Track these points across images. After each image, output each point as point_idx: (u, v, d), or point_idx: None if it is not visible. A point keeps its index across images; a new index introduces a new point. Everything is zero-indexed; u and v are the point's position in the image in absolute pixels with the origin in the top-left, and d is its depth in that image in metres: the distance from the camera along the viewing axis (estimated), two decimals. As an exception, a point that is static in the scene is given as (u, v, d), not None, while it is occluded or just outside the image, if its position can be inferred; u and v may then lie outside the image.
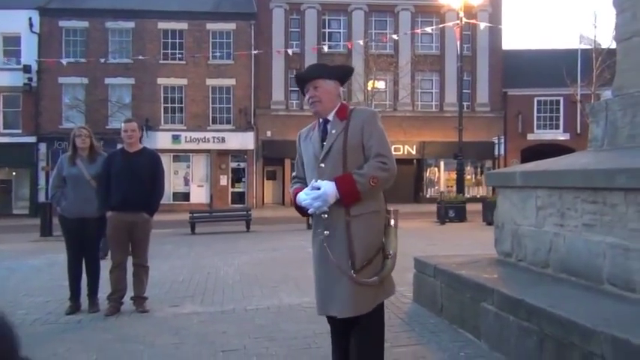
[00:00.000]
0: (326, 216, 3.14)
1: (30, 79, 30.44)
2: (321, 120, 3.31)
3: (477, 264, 5.48)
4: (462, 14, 22.01)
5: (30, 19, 30.54)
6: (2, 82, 30.45)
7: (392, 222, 3.19)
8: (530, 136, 32.99)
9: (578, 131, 31.58)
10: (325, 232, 3.15)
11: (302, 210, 3.26)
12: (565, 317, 3.47)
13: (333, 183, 3.05)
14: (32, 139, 30.53)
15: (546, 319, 3.64)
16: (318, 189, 3.07)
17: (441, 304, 5.38)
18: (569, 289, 4.20)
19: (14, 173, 31.33)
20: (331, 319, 3.26)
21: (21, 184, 31.30)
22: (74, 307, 6.29)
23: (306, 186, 3.27)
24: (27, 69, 30.33)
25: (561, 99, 32.47)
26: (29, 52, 30.63)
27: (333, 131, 3.19)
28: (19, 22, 30.32)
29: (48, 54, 30.43)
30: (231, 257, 10.71)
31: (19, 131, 30.73)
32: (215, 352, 4.62)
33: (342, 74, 3.40)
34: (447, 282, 5.27)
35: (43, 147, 30.26)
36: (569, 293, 4.09)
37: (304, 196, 3.15)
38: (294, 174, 3.56)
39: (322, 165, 3.17)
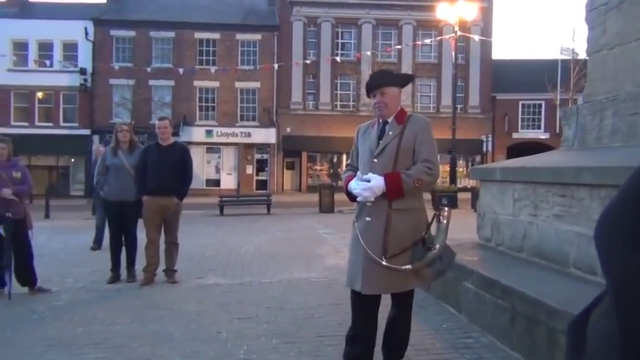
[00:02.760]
0: (370, 204, 3.09)
1: (85, 80, 30.54)
2: (380, 120, 3.23)
3: (460, 247, 5.38)
4: (457, 28, 21.71)
5: (85, 28, 30.57)
6: (62, 83, 30.61)
7: (442, 219, 3.11)
8: (515, 135, 32.57)
9: (557, 131, 31.26)
10: (367, 218, 3.10)
11: (350, 195, 3.21)
12: (533, 297, 3.41)
13: (382, 178, 3.00)
14: (87, 132, 30.71)
15: (517, 297, 3.58)
16: (368, 181, 3.03)
17: (428, 281, 5.31)
18: (539, 272, 4.12)
19: (72, 160, 31.55)
20: (356, 292, 3.16)
21: (77, 170, 31.54)
22: (114, 277, 6.31)
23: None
24: (83, 71, 30.44)
25: (543, 103, 31.98)
26: (85, 57, 30.73)
27: (390, 133, 3.13)
28: (76, 31, 30.41)
29: (100, 59, 30.51)
30: (252, 236, 10.69)
31: (76, 125, 30.90)
32: (232, 319, 4.61)
33: (405, 81, 3.36)
34: (434, 262, 5.19)
35: (96, 138, 30.36)
36: (539, 275, 4.02)
37: (355, 185, 3.11)
38: (348, 162, 3.51)
39: (375, 160, 3.11)
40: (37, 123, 30.47)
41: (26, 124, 30.23)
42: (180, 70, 28.98)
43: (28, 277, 5.74)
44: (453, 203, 19.10)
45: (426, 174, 3.03)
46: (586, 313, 0.54)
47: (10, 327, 4.44)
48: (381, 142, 3.15)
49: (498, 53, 76.75)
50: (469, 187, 25.34)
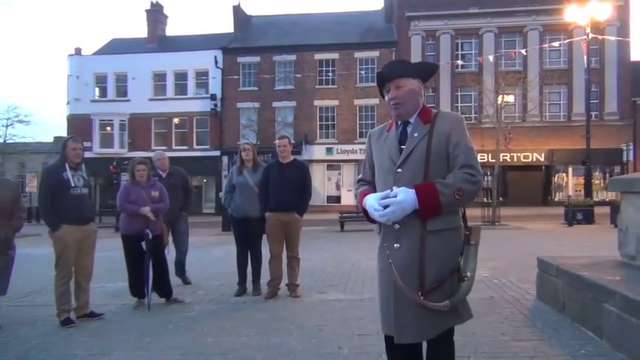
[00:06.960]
0: (398, 227, 2.46)
1: (215, 105, 32.81)
2: (399, 121, 2.65)
3: (599, 266, 4.92)
4: (589, 30, 20.20)
5: (215, 57, 32.94)
6: (195, 108, 33.17)
7: (471, 241, 2.48)
8: (660, 143, 29.52)
9: None
10: (395, 244, 2.48)
11: (369, 215, 2.58)
12: (691, 323, 2.99)
13: (413, 191, 2.38)
14: (217, 153, 32.84)
15: (671, 323, 3.16)
16: (395, 196, 2.41)
17: (562, 302, 4.90)
18: (697, 295, 3.62)
19: (204, 180, 33.84)
20: (391, 339, 2.56)
21: (209, 189, 33.76)
22: (241, 290, 6.56)
23: (373, 189, 2.65)
24: (213, 97, 32.76)
25: (696, 105, 28.71)
26: (214, 84, 33.01)
27: (415, 134, 2.53)
28: (207, 60, 32.87)
29: (229, 84, 32.62)
30: (373, 252, 10.47)
31: (208, 147, 33.20)
32: (352, 335, 4.57)
33: (427, 72, 2.71)
34: (569, 282, 4.78)
35: (225, 159, 32.41)
36: (698, 299, 3.52)
37: (375, 203, 2.48)
38: (359, 176, 2.85)
39: (400, 170, 2.49)
40: (174, 146, 33.15)
41: (164, 147, 32.89)
42: (302, 91, 29.95)
43: (164, 289, 6.18)
44: (589, 218, 17.65)
45: (469, 182, 2.40)
46: None
47: (149, 335, 4.78)
48: (403, 147, 2.54)
49: (639, 54, 70.33)
50: (607, 200, 23.30)
